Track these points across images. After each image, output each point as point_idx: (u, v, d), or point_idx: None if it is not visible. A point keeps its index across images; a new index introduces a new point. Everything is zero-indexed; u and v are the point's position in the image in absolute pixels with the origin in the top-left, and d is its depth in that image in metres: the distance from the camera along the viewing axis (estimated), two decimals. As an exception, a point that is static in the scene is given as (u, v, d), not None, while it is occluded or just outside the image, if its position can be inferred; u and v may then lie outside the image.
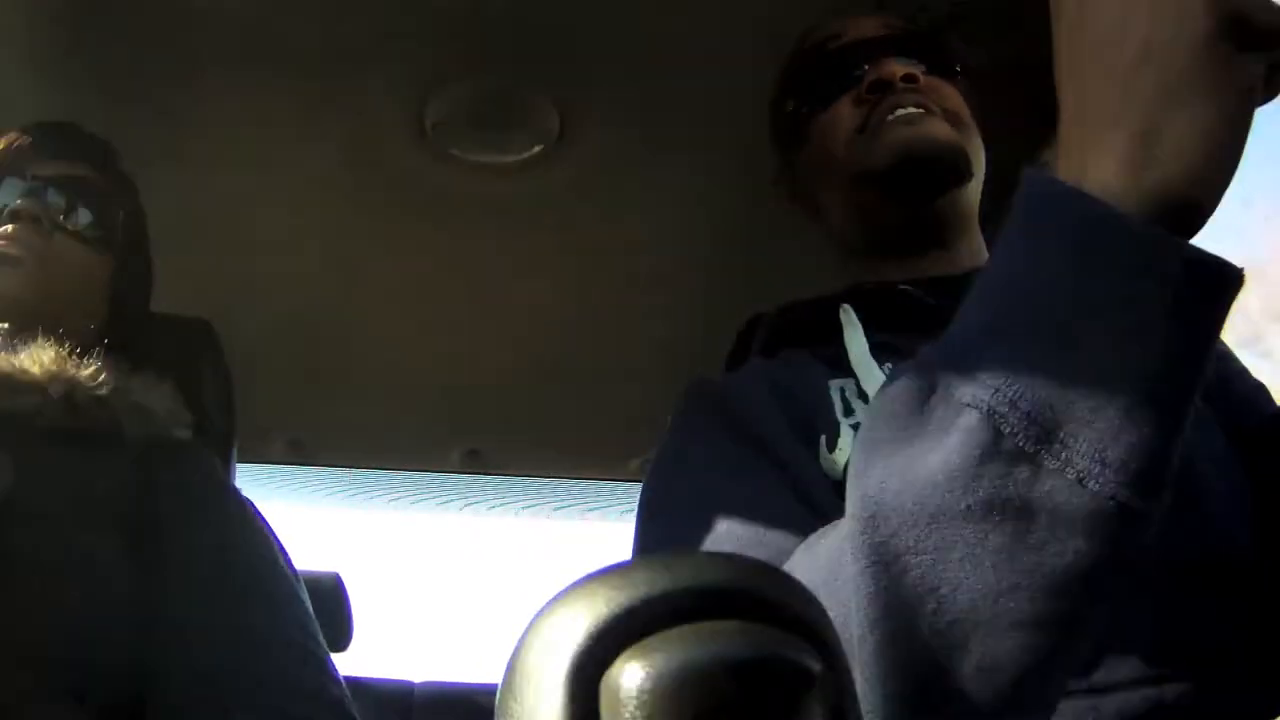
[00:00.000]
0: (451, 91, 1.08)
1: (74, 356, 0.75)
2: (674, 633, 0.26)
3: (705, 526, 0.60)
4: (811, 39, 0.84)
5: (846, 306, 0.72)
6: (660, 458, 0.71)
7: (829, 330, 0.74)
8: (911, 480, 0.40)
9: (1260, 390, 0.73)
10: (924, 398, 0.42)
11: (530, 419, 1.64)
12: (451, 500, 1.94)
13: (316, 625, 0.68)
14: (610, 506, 1.93)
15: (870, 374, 0.68)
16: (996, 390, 0.39)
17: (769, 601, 0.27)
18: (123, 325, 0.89)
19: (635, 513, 0.70)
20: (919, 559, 0.40)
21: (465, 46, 1.03)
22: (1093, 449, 0.37)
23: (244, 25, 1.00)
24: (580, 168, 1.19)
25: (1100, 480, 0.37)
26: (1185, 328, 0.38)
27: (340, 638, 1.59)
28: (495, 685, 0.29)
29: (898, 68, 0.76)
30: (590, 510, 1.97)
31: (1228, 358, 0.76)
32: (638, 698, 0.25)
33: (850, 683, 0.29)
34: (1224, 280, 0.38)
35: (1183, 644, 0.56)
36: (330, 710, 0.60)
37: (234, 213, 1.26)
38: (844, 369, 0.70)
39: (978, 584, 0.39)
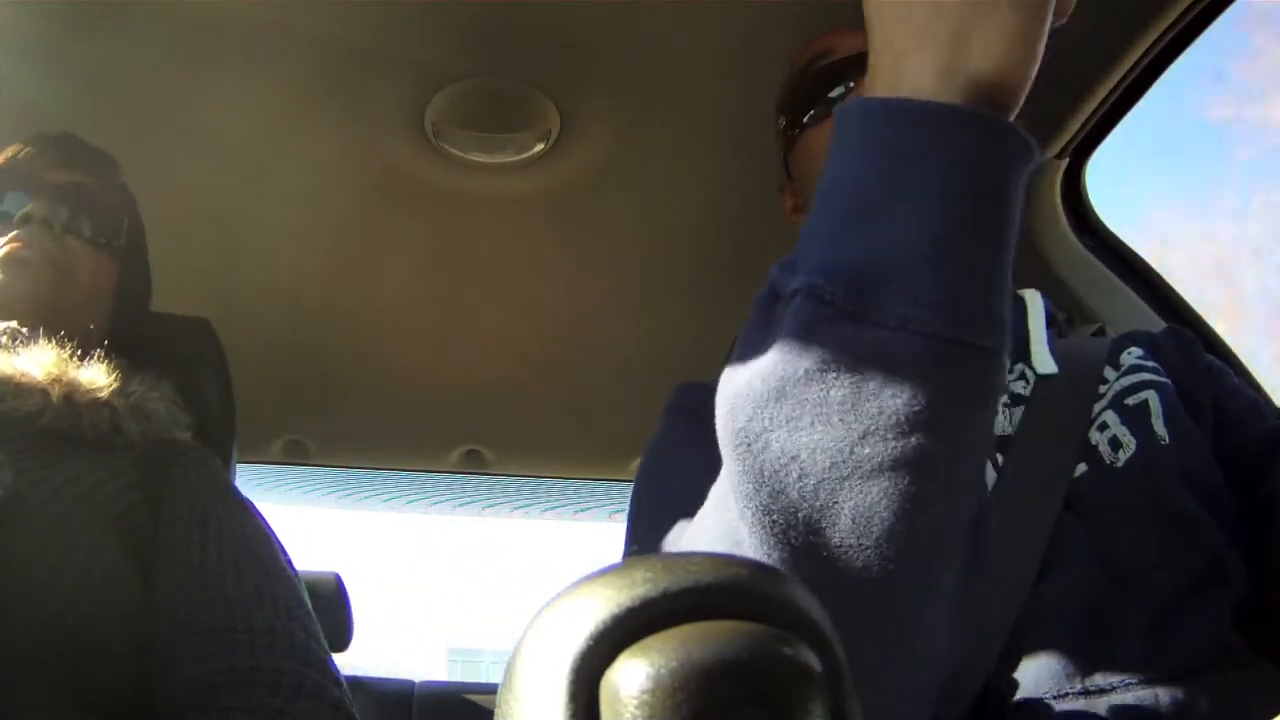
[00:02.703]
0: (451, 91, 1.08)
1: (75, 359, 0.75)
2: (674, 633, 0.26)
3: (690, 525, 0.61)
4: (803, 56, 0.86)
5: None
6: (648, 459, 0.73)
7: None
8: (757, 368, 0.43)
9: (1255, 407, 0.73)
10: (771, 302, 0.45)
11: (530, 419, 1.64)
12: (449, 500, 1.94)
13: (317, 625, 0.68)
14: (609, 507, 1.93)
15: None
16: (813, 271, 0.42)
17: (769, 601, 0.27)
18: (126, 328, 0.90)
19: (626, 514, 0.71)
20: (776, 434, 0.42)
21: (465, 46, 1.03)
22: (908, 295, 0.40)
23: (244, 25, 1.00)
24: (580, 168, 1.19)
25: (919, 321, 0.39)
26: (973, 176, 0.41)
27: (340, 638, 1.60)
28: (495, 685, 0.29)
29: None
30: (589, 510, 1.98)
31: (1223, 373, 0.76)
32: (638, 698, 0.25)
33: (850, 682, 0.29)
34: (1005, 131, 0.41)
35: (1176, 647, 0.57)
36: (330, 710, 0.60)
37: (234, 212, 1.26)
38: None
39: (830, 441, 0.41)
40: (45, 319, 0.78)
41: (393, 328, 1.47)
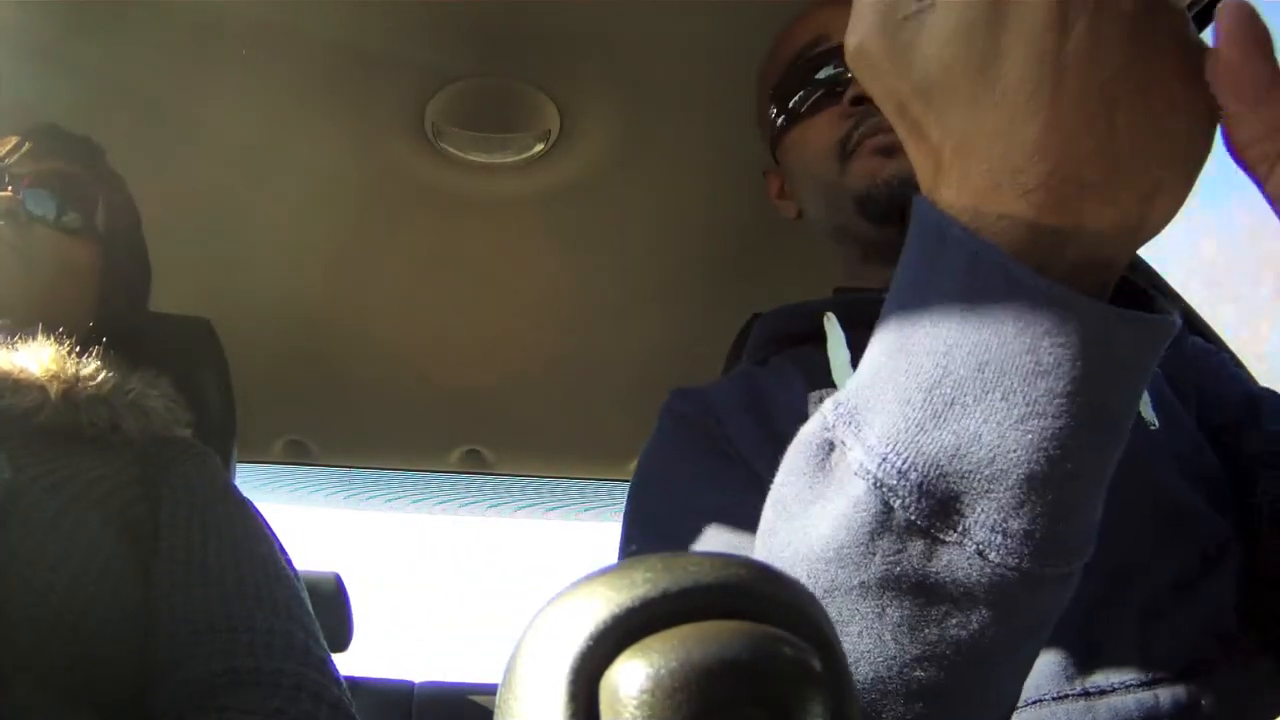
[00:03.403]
0: (451, 91, 1.08)
1: (74, 355, 0.75)
2: (674, 633, 0.26)
3: (683, 535, 0.61)
4: (794, 42, 0.83)
5: (830, 315, 0.73)
6: (641, 468, 0.73)
7: (815, 337, 0.74)
8: (805, 553, 0.38)
9: (1238, 383, 0.73)
10: (826, 451, 0.38)
11: (530, 419, 1.64)
12: (451, 500, 1.95)
13: (317, 625, 0.68)
14: (609, 506, 1.94)
15: None
16: (884, 459, 0.35)
17: (769, 601, 0.27)
18: (118, 318, 0.89)
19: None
20: None
21: (465, 46, 1.03)
22: (992, 520, 0.34)
23: (245, 26, 1.00)
24: (580, 168, 1.19)
25: (1002, 551, 0.34)
26: (1098, 391, 0.33)
27: (340, 638, 1.60)
28: (495, 685, 0.29)
29: None
30: (589, 510, 1.98)
31: (1208, 354, 0.76)
32: (638, 698, 0.25)
33: (850, 683, 0.29)
34: (1148, 336, 0.34)
35: (1174, 644, 0.57)
36: (330, 710, 0.60)
37: (234, 212, 1.26)
38: (825, 378, 0.70)
39: (879, 655, 0.37)
40: (21, 313, 0.77)
41: (393, 327, 1.47)
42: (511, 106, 1.10)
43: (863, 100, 0.76)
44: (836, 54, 0.78)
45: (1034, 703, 0.56)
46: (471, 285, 1.39)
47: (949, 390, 0.34)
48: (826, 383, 0.69)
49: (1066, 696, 0.56)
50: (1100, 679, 0.56)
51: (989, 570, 0.34)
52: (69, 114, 0.97)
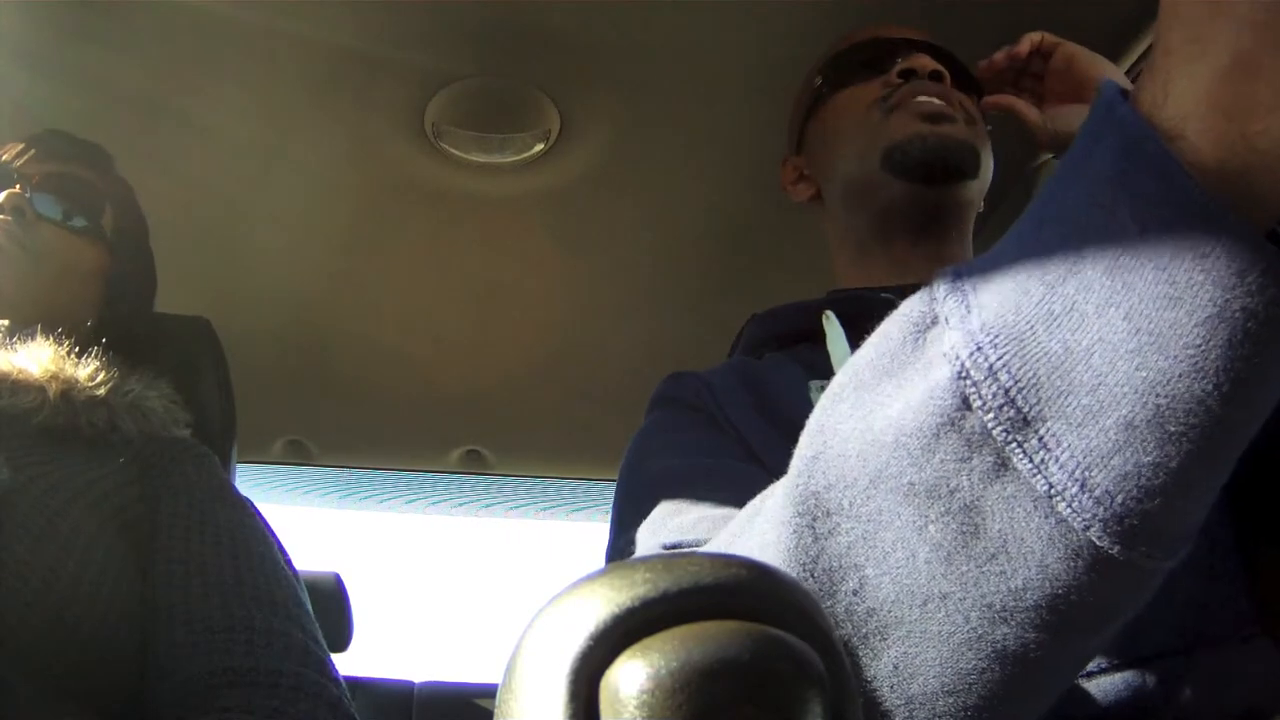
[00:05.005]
0: (451, 91, 1.08)
1: (72, 356, 0.75)
2: (674, 633, 0.26)
3: (677, 507, 0.60)
4: (858, 35, 0.88)
5: (830, 313, 0.73)
6: (635, 447, 0.73)
7: (811, 335, 0.75)
8: (866, 428, 0.34)
9: None
10: (926, 326, 0.34)
11: (530, 419, 1.64)
12: (451, 500, 1.94)
13: (316, 625, 0.68)
14: (609, 506, 1.93)
15: None
16: (978, 349, 0.31)
17: (769, 601, 0.27)
18: (121, 321, 0.89)
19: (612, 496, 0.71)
20: (849, 526, 0.34)
21: (465, 47, 1.03)
22: (1075, 463, 0.29)
23: (245, 27, 1.00)
24: (580, 168, 1.19)
25: (1074, 505, 0.29)
26: (1235, 343, 0.27)
27: (340, 638, 1.59)
28: (495, 685, 0.29)
29: (929, 62, 0.80)
30: (589, 510, 1.97)
31: None
32: (638, 698, 0.25)
33: (850, 683, 0.28)
34: None
35: (1164, 626, 0.56)
36: (329, 710, 0.60)
37: (234, 212, 1.26)
38: (825, 373, 0.70)
39: (906, 577, 0.33)
40: (25, 310, 0.77)
41: (392, 327, 1.47)
42: (511, 106, 1.10)
43: (911, 74, 0.80)
44: (892, 43, 0.83)
45: None
46: (472, 285, 1.39)
47: (1073, 290, 0.29)
48: (827, 374, 0.70)
49: None
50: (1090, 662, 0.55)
51: (1052, 522, 0.30)
52: (70, 116, 0.97)
